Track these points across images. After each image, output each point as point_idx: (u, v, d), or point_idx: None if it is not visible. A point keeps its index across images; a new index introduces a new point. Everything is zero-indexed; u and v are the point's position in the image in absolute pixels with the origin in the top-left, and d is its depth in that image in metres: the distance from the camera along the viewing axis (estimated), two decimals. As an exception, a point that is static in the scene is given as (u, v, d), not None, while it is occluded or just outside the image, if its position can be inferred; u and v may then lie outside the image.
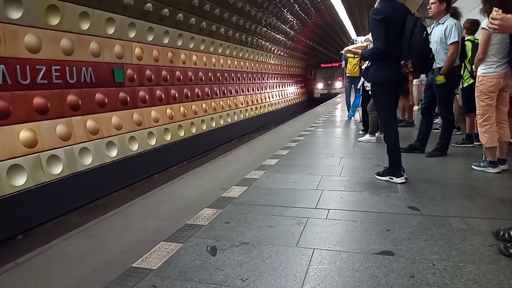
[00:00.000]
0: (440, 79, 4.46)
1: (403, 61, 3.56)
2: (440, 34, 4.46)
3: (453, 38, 4.34)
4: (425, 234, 2.49)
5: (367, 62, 5.30)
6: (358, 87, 7.54)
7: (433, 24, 4.70)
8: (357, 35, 25.60)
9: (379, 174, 3.84)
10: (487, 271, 1.99)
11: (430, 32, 4.51)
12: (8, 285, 2.09)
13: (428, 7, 4.65)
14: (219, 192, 3.59)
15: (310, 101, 23.91)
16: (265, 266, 2.15)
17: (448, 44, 4.39)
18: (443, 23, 4.47)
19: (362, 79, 6.92)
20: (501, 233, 2.42)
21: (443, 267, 2.06)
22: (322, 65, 26.01)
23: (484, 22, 3.74)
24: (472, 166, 4.11)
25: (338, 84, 24.60)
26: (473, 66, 4.21)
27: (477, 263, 2.08)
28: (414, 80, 7.27)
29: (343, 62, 9.72)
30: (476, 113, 4.01)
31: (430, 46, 3.88)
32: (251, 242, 2.47)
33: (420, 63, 3.55)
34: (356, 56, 6.85)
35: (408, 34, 3.42)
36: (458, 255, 2.19)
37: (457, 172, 4.10)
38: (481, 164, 4.05)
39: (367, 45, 4.99)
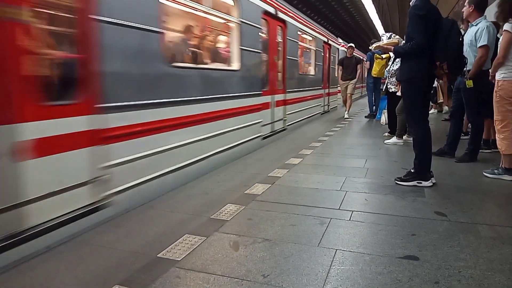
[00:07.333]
0: (469, 83, 4.31)
1: (439, 62, 3.54)
2: (471, 36, 4.32)
3: (483, 41, 4.18)
4: (451, 240, 2.44)
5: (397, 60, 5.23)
6: (383, 89, 7.34)
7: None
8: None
9: (401, 179, 3.73)
10: (517, 282, 1.93)
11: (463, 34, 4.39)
12: (39, 268, 2.19)
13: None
14: (242, 188, 3.62)
15: None
16: (287, 263, 2.17)
17: (477, 47, 4.25)
18: (476, 25, 4.33)
19: (386, 80, 6.80)
20: None
21: (470, 274, 2.01)
22: None
23: (507, 25, 3.61)
24: (484, 174, 3.97)
25: None
26: (490, 70, 4.04)
27: (506, 273, 2.02)
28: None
29: (368, 62, 9.59)
30: (494, 119, 3.87)
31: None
32: (273, 239, 2.49)
33: (455, 64, 3.62)
34: (388, 52, 6.54)
35: (445, 35, 3.42)
36: (486, 263, 2.13)
37: (486, 178, 3.97)
38: (495, 171, 3.91)
39: (398, 41, 4.83)
